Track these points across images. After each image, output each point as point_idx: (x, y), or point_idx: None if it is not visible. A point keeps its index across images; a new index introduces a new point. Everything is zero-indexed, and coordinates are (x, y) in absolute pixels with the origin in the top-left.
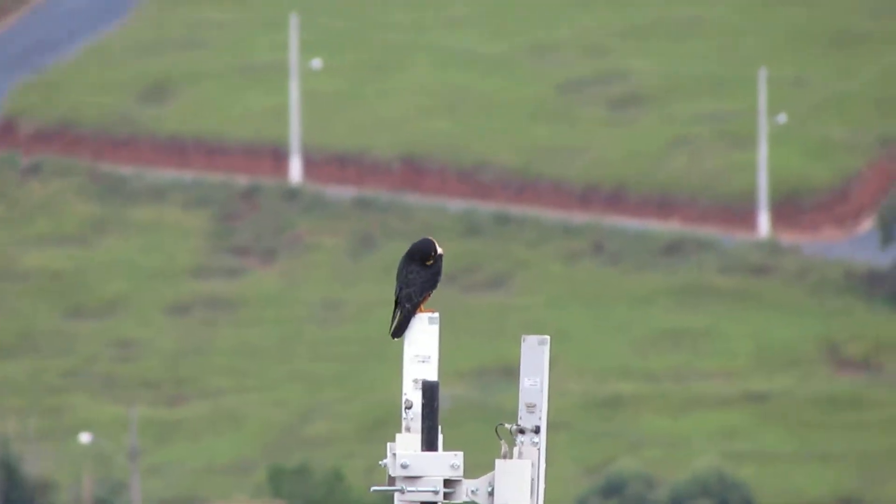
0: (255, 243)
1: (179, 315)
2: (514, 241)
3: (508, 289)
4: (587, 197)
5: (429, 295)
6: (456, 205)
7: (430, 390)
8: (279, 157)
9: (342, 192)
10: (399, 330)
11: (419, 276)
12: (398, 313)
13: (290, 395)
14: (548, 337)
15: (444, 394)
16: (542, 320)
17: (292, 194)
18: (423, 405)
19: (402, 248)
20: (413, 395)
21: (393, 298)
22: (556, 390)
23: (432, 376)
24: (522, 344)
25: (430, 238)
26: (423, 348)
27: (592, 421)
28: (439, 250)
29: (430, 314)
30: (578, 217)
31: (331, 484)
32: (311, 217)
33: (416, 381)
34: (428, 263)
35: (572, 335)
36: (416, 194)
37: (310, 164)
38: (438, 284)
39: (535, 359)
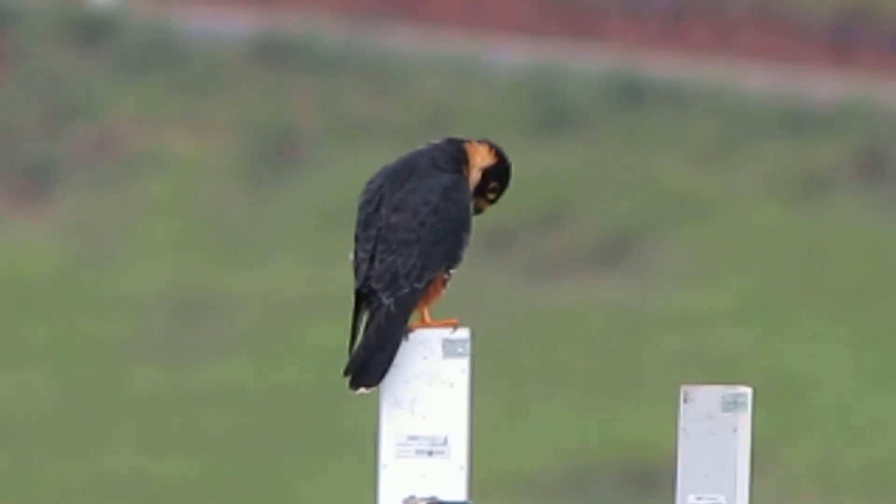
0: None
1: None
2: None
3: (651, 270)
4: None
5: (447, 275)
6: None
7: None
8: None
9: None
10: (364, 368)
11: (428, 223)
12: (365, 320)
13: None
14: (748, 390)
15: None
16: (739, 350)
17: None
18: None
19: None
20: None
21: (351, 287)
22: None
23: (457, 491)
24: (681, 405)
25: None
26: (430, 417)
27: None
28: (504, 158)
29: (447, 328)
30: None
31: None
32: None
33: (410, 501)
34: (471, 174)
35: (820, 383)
36: None
37: None
38: (465, 252)
39: (716, 444)
